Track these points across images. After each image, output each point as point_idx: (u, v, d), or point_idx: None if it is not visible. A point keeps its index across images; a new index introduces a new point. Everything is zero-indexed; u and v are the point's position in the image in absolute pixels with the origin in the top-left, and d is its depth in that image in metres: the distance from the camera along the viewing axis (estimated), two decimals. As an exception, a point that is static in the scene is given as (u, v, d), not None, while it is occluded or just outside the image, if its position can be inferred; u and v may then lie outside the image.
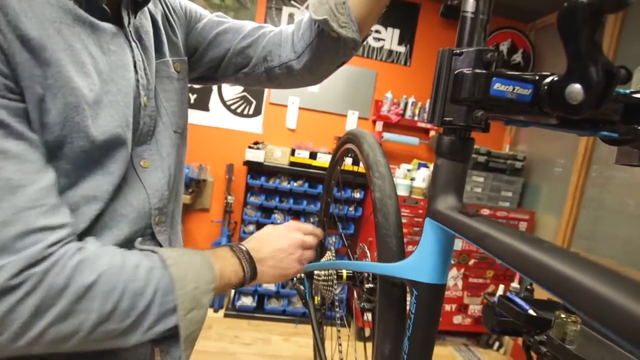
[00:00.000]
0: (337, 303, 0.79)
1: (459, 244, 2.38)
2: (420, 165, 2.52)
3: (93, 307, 0.36)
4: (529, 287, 0.74)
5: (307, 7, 2.52)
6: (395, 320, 0.40)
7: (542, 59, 2.63)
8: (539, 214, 2.45)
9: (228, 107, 2.57)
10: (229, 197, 2.48)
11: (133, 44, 0.47)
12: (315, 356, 0.83)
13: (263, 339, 2.19)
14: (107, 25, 0.43)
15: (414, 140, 2.55)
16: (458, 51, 0.30)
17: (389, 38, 2.64)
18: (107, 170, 0.42)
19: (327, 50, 0.58)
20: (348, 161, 0.86)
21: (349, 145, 0.72)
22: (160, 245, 0.53)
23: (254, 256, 0.53)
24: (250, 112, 2.59)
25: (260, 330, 2.28)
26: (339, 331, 0.79)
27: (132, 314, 0.38)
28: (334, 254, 0.79)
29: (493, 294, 0.89)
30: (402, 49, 2.66)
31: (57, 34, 0.37)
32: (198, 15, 0.62)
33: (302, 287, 0.79)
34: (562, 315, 0.52)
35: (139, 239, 0.48)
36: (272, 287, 2.40)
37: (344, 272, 0.70)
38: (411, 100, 2.61)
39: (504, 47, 2.63)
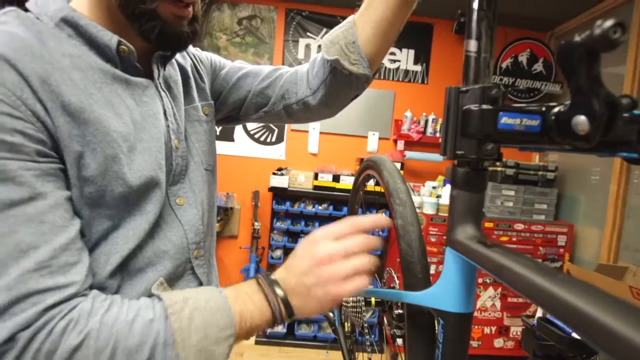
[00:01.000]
0: (367, 329, 0.78)
1: (493, 262, 2.28)
2: (445, 182, 2.48)
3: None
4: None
5: (322, 38, 2.63)
6: (424, 349, 0.40)
7: (565, 66, 2.57)
8: (578, 226, 2.32)
9: (252, 136, 2.68)
10: (256, 223, 2.53)
11: (163, 93, 0.52)
12: (349, 385, 0.82)
13: (295, 367, 2.16)
14: (140, 80, 0.49)
15: (437, 157, 2.53)
16: (464, 89, 0.32)
17: (404, 59, 2.68)
18: (144, 210, 0.46)
19: (340, 85, 0.61)
20: (370, 182, 0.87)
21: (369, 172, 0.74)
22: (200, 280, 0.56)
23: (285, 287, 0.43)
24: (273, 139, 2.68)
25: (291, 357, 2.25)
26: (369, 359, 0.78)
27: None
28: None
29: (532, 315, 0.85)
30: (418, 68, 2.69)
31: (98, 92, 0.42)
32: (222, 64, 0.68)
33: (331, 314, 0.79)
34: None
35: (156, 283, 0.48)
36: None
37: (372, 298, 0.70)
38: (431, 117, 2.61)
39: (523, 58, 2.60)
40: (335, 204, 2.49)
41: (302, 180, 2.47)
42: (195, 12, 0.49)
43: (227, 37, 2.61)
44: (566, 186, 2.45)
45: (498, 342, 2.26)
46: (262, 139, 2.68)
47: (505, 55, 2.58)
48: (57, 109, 0.39)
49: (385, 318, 0.74)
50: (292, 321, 0.44)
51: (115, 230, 0.45)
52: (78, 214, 0.42)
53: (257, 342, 2.34)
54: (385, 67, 2.67)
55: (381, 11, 0.54)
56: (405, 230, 0.49)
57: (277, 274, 0.44)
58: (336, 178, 2.46)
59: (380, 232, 2.47)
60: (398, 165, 2.46)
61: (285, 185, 2.42)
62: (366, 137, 2.69)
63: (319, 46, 0.61)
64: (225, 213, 2.61)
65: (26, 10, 0.43)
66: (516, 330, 2.27)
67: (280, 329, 2.40)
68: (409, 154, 2.55)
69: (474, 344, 2.24)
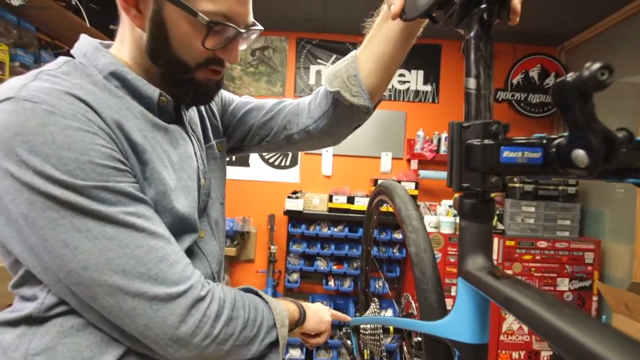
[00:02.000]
0: (386, 358, 0.77)
1: (517, 282, 2.19)
2: (462, 200, 2.44)
3: (240, 314, 0.48)
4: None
5: (329, 67, 2.71)
6: (442, 380, 0.40)
7: (578, 80, 2.55)
8: (605, 242, 2.22)
9: (266, 160, 2.74)
10: (272, 247, 2.54)
11: (193, 137, 0.57)
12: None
13: (315, 396, 2.09)
14: (174, 126, 0.53)
15: (451, 175, 2.50)
16: (466, 124, 0.34)
17: (413, 80, 2.73)
18: (179, 242, 0.49)
19: (342, 116, 0.64)
20: (384, 205, 0.88)
21: (381, 197, 0.76)
22: None
23: (303, 304, 0.66)
24: (287, 163, 2.73)
25: (311, 385, 2.19)
26: (391, 388, 0.76)
27: (256, 325, 0.50)
28: (378, 306, 0.79)
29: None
30: (428, 87, 2.73)
31: (144, 138, 0.47)
32: (230, 99, 0.73)
33: (349, 342, 0.79)
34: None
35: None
36: (320, 337, 2.33)
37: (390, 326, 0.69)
38: (444, 135, 2.61)
39: (534, 74, 2.60)
40: (350, 225, 2.48)
41: (316, 203, 2.48)
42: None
43: (242, 67, 2.74)
44: (589, 200, 2.37)
45: (528, 368, 2.14)
46: (276, 163, 2.73)
47: (515, 72, 2.59)
48: (130, 150, 0.44)
49: (405, 345, 0.72)
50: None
51: None
52: None
53: (275, 370, 2.30)
54: (396, 89, 2.72)
55: (382, 46, 0.57)
56: (419, 258, 0.49)
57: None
58: (351, 200, 2.46)
59: (397, 253, 2.44)
60: (412, 185, 2.45)
61: (301, 208, 2.44)
62: (379, 157, 2.70)
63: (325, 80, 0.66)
64: (241, 237, 2.64)
65: (72, 57, 0.48)
66: (546, 354, 2.15)
67: (298, 354, 2.35)
68: (423, 172, 2.54)
69: (502, 370, 2.13)
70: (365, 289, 0.99)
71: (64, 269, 0.39)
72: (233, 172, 2.69)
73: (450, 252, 2.17)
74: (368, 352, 0.85)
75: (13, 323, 0.44)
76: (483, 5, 0.34)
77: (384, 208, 0.92)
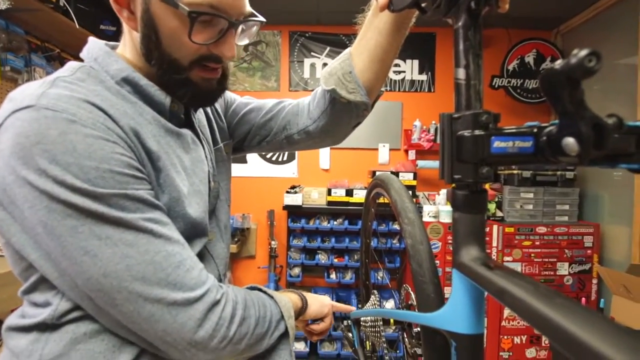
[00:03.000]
0: (387, 349, 0.78)
1: (519, 268, 2.21)
2: (460, 189, 2.44)
3: (251, 313, 0.49)
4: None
5: (325, 60, 2.69)
6: (441, 370, 0.41)
7: (574, 63, 2.53)
8: (604, 225, 2.23)
9: (264, 156, 2.73)
10: (273, 242, 2.55)
11: (204, 141, 0.57)
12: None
13: (321, 387, 2.12)
14: (185, 131, 0.53)
15: (449, 164, 2.50)
16: (456, 115, 0.34)
17: (409, 69, 2.71)
18: (191, 245, 0.49)
19: (340, 114, 0.64)
20: (381, 198, 0.88)
21: (378, 190, 0.76)
22: None
23: (304, 293, 0.67)
24: (285, 158, 2.73)
25: (317, 377, 2.22)
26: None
27: (266, 320, 0.51)
28: (378, 298, 0.79)
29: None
30: (423, 77, 2.71)
31: (158, 144, 0.46)
32: (232, 99, 0.72)
33: (350, 335, 0.79)
34: None
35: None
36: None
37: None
38: (441, 124, 2.60)
39: (529, 59, 2.58)
40: (350, 217, 2.49)
41: (315, 197, 2.49)
42: (224, 70, 0.53)
43: (235, 63, 2.71)
44: (588, 185, 2.38)
45: (530, 352, 2.17)
46: (273, 158, 2.73)
47: (511, 58, 2.57)
48: (145, 157, 0.44)
49: (405, 335, 0.73)
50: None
51: None
52: None
53: (281, 363, 2.32)
54: (391, 79, 2.70)
55: (375, 40, 0.56)
56: (415, 250, 0.49)
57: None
58: (349, 192, 2.46)
59: (398, 243, 2.45)
60: (410, 175, 2.45)
61: (300, 203, 2.44)
62: (377, 149, 2.70)
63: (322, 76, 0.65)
64: (242, 234, 2.64)
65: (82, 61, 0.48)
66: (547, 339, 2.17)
67: (302, 347, 2.37)
68: (421, 163, 2.54)
69: (504, 355, 2.16)
70: (366, 281, 1.00)
71: (83, 276, 0.39)
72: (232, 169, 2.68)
73: (450, 241, 2.18)
74: (370, 343, 0.85)
75: (26, 329, 0.44)
76: (470, -6, 0.33)
77: (381, 199, 0.93)
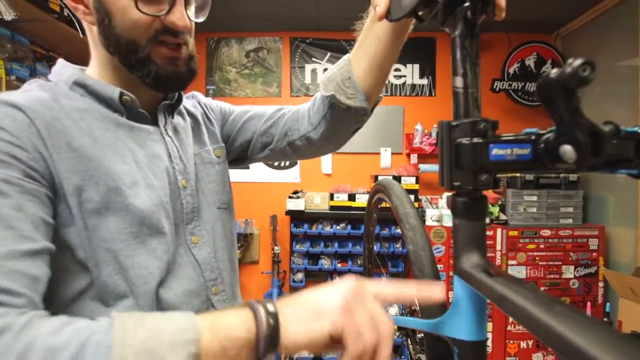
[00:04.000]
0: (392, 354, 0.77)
1: (523, 272, 2.20)
2: (463, 192, 2.44)
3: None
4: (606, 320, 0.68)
5: (324, 67, 2.71)
6: (444, 377, 0.40)
7: (575, 66, 2.53)
8: (609, 227, 2.22)
9: (266, 162, 2.75)
10: (276, 248, 2.55)
11: (167, 138, 0.57)
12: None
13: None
14: (144, 126, 0.54)
15: (452, 167, 2.50)
16: (455, 123, 0.34)
17: (409, 73, 2.72)
18: (149, 247, 0.49)
19: (340, 119, 0.64)
20: (383, 203, 0.88)
21: (379, 195, 0.76)
22: None
23: (278, 307, 0.34)
24: (287, 163, 2.73)
25: (321, 383, 2.20)
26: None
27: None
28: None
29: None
30: (424, 81, 2.72)
31: (102, 136, 0.48)
32: (230, 110, 0.73)
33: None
34: None
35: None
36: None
37: (394, 323, 0.70)
38: (442, 128, 2.61)
39: (530, 62, 2.58)
40: (353, 222, 2.49)
41: (318, 202, 2.49)
42: (190, 52, 0.54)
43: (237, 69, 2.74)
44: (592, 187, 2.36)
45: (537, 357, 2.14)
46: (275, 163, 2.74)
47: (511, 61, 2.58)
48: (61, 146, 0.45)
49: (409, 341, 0.73)
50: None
51: (125, 271, 0.47)
52: (69, 245, 0.45)
53: (285, 369, 2.31)
54: (392, 83, 2.71)
55: (374, 47, 0.57)
56: (417, 256, 0.49)
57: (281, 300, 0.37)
58: (352, 197, 2.46)
59: (401, 248, 2.44)
60: (413, 179, 2.45)
61: (302, 208, 2.45)
62: (379, 153, 2.70)
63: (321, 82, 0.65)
64: (245, 239, 2.65)
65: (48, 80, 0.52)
66: (555, 342, 2.15)
67: (306, 353, 2.36)
68: (423, 166, 2.54)
69: (510, 360, 2.14)
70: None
71: None
72: (233, 175, 2.66)
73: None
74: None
75: None
76: (466, 4, 0.34)
77: (384, 204, 0.93)
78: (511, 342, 2.15)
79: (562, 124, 0.28)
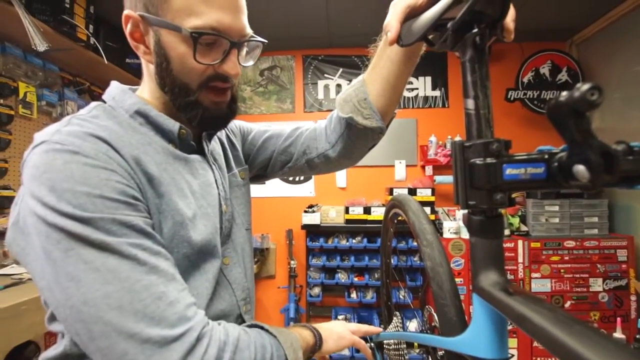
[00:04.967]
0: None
1: (548, 285, 2.12)
2: (481, 203, 2.39)
3: (244, 356, 0.44)
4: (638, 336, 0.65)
5: (337, 78, 2.76)
6: (467, 396, 0.40)
7: (592, 71, 2.49)
8: (639, 237, 2.12)
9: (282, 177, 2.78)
10: (292, 262, 2.56)
11: (213, 166, 0.60)
12: None
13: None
14: (195, 156, 0.56)
15: (468, 178, 2.47)
16: (468, 144, 0.35)
17: (421, 86, 2.73)
18: (202, 270, 0.51)
19: (357, 138, 0.66)
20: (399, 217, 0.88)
21: (395, 210, 0.76)
22: None
23: (317, 327, 0.62)
24: (302, 178, 2.76)
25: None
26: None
27: None
28: (400, 320, 0.79)
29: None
30: (437, 93, 2.72)
31: (164, 171, 0.50)
32: (249, 129, 0.76)
33: (374, 359, 0.78)
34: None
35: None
36: (346, 352, 2.31)
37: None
38: (457, 139, 2.58)
39: (544, 70, 2.55)
40: (368, 235, 2.47)
41: (333, 216, 2.49)
42: (233, 94, 0.56)
43: (251, 88, 2.81)
44: (617, 195, 2.28)
45: (567, 375, 2.04)
46: (291, 178, 2.77)
47: (525, 70, 2.56)
48: (147, 183, 0.46)
49: (430, 358, 0.72)
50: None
51: None
52: None
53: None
54: (405, 96, 2.72)
55: (387, 69, 0.59)
56: (435, 272, 0.50)
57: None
58: (367, 210, 2.46)
59: (419, 261, 2.40)
60: (429, 191, 2.43)
61: (318, 222, 2.45)
62: (393, 166, 2.70)
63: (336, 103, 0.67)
64: (261, 254, 2.66)
65: (104, 101, 0.53)
66: (586, 360, 2.04)
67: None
68: (439, 178, 2.52)
69: (538, 378, 2.04)
70: (388, 302, 0.99)
71: (68, 304, 0.38)
72: (249, 190, 2.74)
73: (473, 258, 2.12)
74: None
75: (56, 359, 0.45)
76: (475, 30, 0.35)
77: (400, 217, 0.93)
78: (538, 359, 2.06)
79: (574, 145, 0.28)
